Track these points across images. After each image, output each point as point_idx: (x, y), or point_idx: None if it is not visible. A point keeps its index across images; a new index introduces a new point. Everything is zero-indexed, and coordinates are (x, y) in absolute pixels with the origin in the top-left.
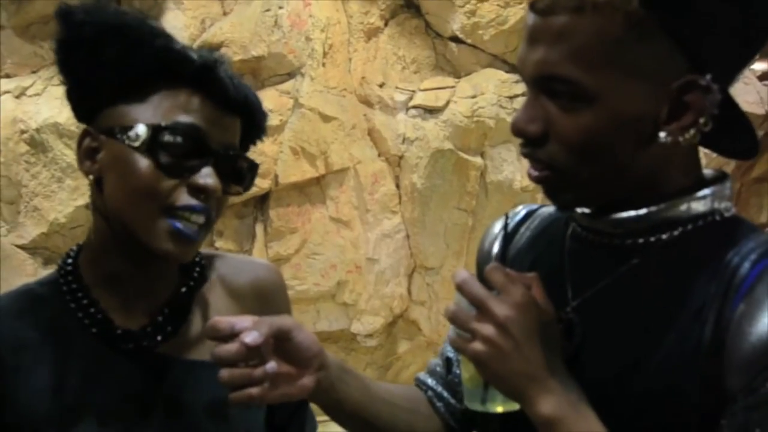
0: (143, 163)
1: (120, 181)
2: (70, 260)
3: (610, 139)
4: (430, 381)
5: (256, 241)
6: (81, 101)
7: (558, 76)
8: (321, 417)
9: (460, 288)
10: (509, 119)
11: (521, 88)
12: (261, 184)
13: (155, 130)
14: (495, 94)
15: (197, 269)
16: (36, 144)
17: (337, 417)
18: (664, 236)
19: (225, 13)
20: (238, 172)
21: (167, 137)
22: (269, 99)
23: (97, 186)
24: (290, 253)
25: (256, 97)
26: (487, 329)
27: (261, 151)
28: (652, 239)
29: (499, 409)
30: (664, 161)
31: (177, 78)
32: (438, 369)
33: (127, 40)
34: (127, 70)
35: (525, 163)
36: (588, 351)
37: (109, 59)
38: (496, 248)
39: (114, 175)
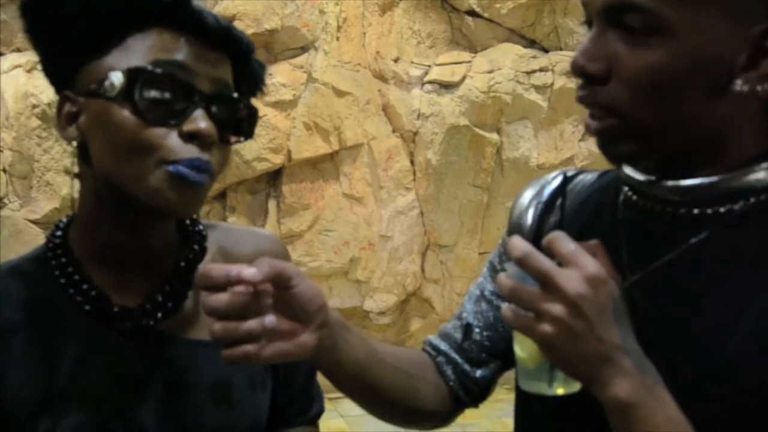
0: (123, 113)
1: (104, 140)
2: (59, 233)
3: (682, 81)
4: (443, 345)
5: (269, 217)
6: (55, 68)
7: (634, 4)
8: (332, 393)
9: (523, 262)
10: (526, 95)
11: (539, 63)
12: (274, 159)
13: (131, 74)
14: (512, 69)
15: (198, 240)
16: (48, 118)
17: (335, 379)
18: (736, 207)
19: None
20: (235, 117)
21: (146, 79)
22: (282, 73)
23: (82, 152)
24: (303, 230)
25: (243, 34)
26: (557, 309)
27: (274, 126)
28: (722, 210)
29: (560, 391)
30: (735, 119)
31: (149, 17)
32: (455, 334)
33: None
34: (92, 20)
35: (542, 140)
36: (654, 330)
37: (72, 12)
38: (529, 219)
39: (97, 135)
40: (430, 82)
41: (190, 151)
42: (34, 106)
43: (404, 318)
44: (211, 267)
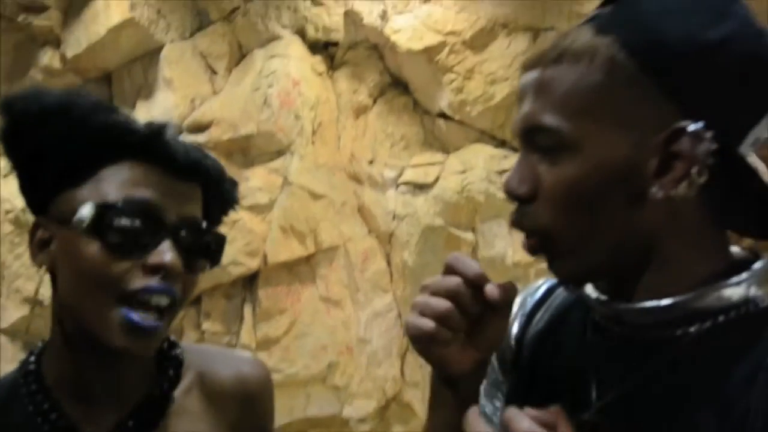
0: (90, 246)
1: (70, 270)
2: (32, 358)
3: (597, 193)
4: None
5: (245, 322)
6: (32, 192)
7: (540, 126)
8: None
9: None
10: (499, 194)
11: (510, 163)
12: (250, 263)
13: (100, 209)
14: (484, 169)
15: (174, 366)
16: (20, 224)
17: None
18: (692, 329)
19: (215, 92)
20: (203, 246)
21: (114, 215)
22: (258, 177)
23: (52, 279)
24: (279, 335)
25: (214, 162)
26: None
27: (250, 230)
28: (679, 332)
29: None
30: (669, 231)
31: (122, 151)
32: None
33: (67, 120)
34: (68, 152)
35: (517, 237)
36: None
37: (50, 143)
38: (515, 329)
39: (64, 265)
40: (404, 184)
41: (151, 281)
42: (7, 212)
43: (385, 425)
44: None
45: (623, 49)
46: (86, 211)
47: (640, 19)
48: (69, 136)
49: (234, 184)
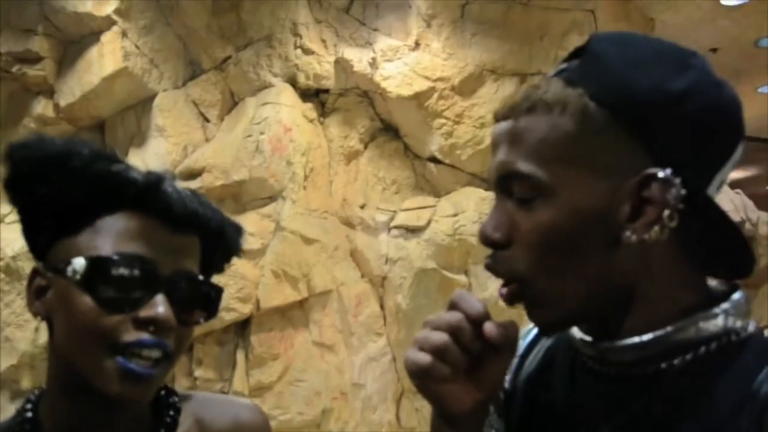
0: (83, 299)
1: (64, 321)
2: (29, 405)
3: (572, 237)
4: None
5: (237, 368)
6: (32, 238)
7: (515, 173)
8: None
9: None
10: None
11: None
12: (242, 309)
13: (93, 263)
14: (475, 211)
15: (171, 413)
16: (11, 272)
17: None
18: (675, 362)
19: (207, 140)
20: (198, 298)
21: (106, 269)
22: (251, 223)
23: (48, 327)
24: (272, 381)
25: (215, 212)
26: None
27: (242, 275)
28: (663, 366)
29: None
30: (646, 271)
31: (119, 201)
32: None
33: (65, 168)
34: (66, 200)
35: None
36: None
37: (48, 190)
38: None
39: (59, 315)
40: (396, 227)
41: (143, 334)
42: None
43: None
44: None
45: (593, 100)
46: (79, 264)
47: (607, 71)
48: (66, 185)
49: (239, 231)
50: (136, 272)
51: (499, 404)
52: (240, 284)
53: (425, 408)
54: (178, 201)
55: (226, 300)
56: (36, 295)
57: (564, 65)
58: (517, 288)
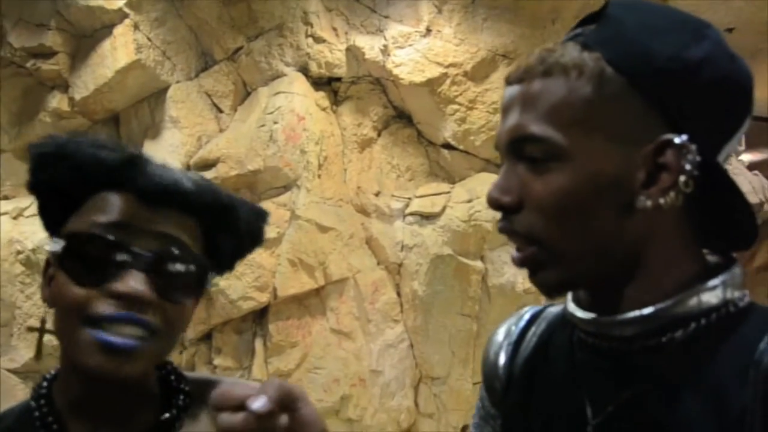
0: (60, 275)
1: (53, 301)
2: (44, 383)
3: (586, 202)
4: None
5: (256, 356)
6: (46, 229)
7: (531, 136)
8: None
9: None
10: None
11: None
12: (259, 298)
13: (68, 240)
14: None
15: (181, 397)
16: (31, 264)
17: None
18: (677, 335)
19: (221, 130)
20: (183, 275)
21: (80, 245)
22: None
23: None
24: (291, 368)
25: (193, 189)
26: None
27: (259, 264)
28: (665, 339)
29: None
30: (653, 238)
31: (96, 182)
32: None
33: (58, 159)
34: (59, 188)
35: None
36: None
37: (45, 181)
38: (502, 359)
39: (52, 297)
40: (411, 214)
41: (115, 307)
42: (19, 252)
43: None
44: (227, 390)
45: (610, 65)
46: (59, 243)
47: (625, 36)
48: (58, 173)
49: (259, 215)
50: (109, 247)
51: (495, 394)
52: (257, 273)
53: (444, 394)
54: (153, 176)
55: (243, 289)
56: (48, 283)
57: (578, 30)
58: (533, 252)
